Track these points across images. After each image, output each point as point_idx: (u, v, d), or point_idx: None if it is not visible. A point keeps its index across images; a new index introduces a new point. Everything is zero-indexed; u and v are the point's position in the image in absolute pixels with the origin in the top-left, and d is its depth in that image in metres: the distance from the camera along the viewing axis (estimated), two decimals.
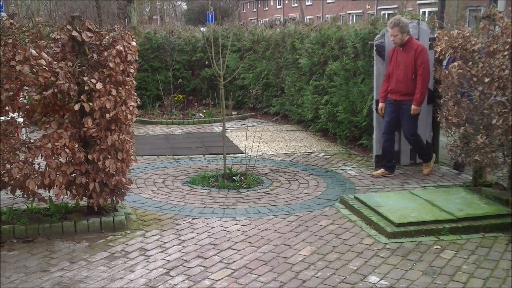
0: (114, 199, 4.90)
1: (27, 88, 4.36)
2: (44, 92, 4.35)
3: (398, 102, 6.35)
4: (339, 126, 8.29)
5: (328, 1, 44.57)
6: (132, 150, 4.95)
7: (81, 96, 4.44)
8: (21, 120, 4.67)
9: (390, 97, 6.46)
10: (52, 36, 4.64)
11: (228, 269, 3.99)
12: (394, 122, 6.47)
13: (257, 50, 11.28)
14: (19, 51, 4.07)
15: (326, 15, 39.62)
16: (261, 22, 41.13)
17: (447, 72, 5.41)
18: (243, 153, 7.54)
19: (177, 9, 56.30)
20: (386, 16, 22.22)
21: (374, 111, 6.72)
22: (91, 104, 4.46)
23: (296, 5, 43.28)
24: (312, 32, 9.57)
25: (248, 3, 61.52)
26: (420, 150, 6.63)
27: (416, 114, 6.34)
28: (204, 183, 6.22)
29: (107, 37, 4.63)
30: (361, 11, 39.65)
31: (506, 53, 4.73)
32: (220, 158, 7.17)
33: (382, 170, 6.54)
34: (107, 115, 4.53)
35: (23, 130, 5.84)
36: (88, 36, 4.47)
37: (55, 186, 4.50)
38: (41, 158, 4.45)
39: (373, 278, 3.85)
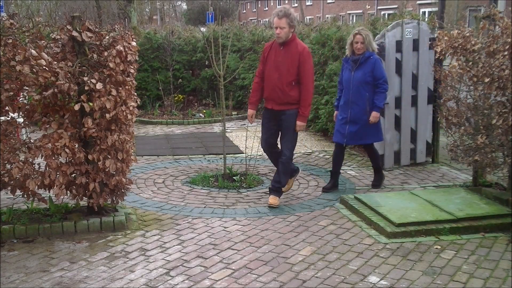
0: (114, 199, 4.89)
1: (27, 88, 4.35)
2: (44, 92, 4.35)
3: (276, 112, 5.36)
4: None
5: (328, 1, 44.57)
6: (132, 150, 4.95)
7: (81, 96, 4.43)
8: (21, 120, 4.67)
9: (266, 105, 5.50)
10: (52, 36, 4.64)
11: (228, 269, 3.99)
12: (275, 137, 5.55)
13: (257, 50, 11.28)
14: (19, 51, 4.07)
15: (326, 15, 39.62)
16: (261, 22, 41.15)
17: (447, 72, 5.41)
18: (243, 153, 7.55)
19: (177, 9, 56.31)
20: (386, 16, 22.24)
21: None
22: (91, 104, 4.46)
23: (296, 5, 43.28)
24: (312, 32, 9.58)
25: (248, 3, 61.51)
26: (283, 176, 5.48)
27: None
28: (204, 183, 6.22)
29: (107, 37, 4.63)
30: (361, 11, 39.65)
31: (506, 53, 4.73)
32: (220, 158, 7.17)
33: (273, 196, 5.44)
34: (107, 115, 4.53)
35: (23, 130, 5.84)
36: (88, 36, 4.47)
37: (55, 186, 4.50)
38: (41, 158, 4.45)
39: (373, 278, 3.85)
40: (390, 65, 6.65)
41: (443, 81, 5.51)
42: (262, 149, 5.67)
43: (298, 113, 5.29)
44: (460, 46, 5.11)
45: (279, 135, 5.51)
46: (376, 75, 5.67)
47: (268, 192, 5.59)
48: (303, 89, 5.24)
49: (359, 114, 5.72)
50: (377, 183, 6.10)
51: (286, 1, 51.87)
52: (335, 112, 6.08)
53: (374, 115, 5.70)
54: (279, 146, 5.60)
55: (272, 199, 5.41)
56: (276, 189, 5.48)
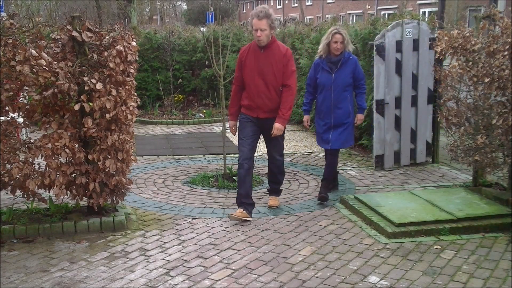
0: (114, 199, 4.89)
1: (27, 88, 4.35)
2: (44, 92, 4.35)
3: (262, 121, 5.04)
4: None
5: (328, 1, 44.56)
6: (132, 150, 4.95)
7: (81, 96, 4.43)
8: (21, 120, 4.67)
9: (248, 114, 5.08)
10: (52, 36, 4.64)
11: (228, 269, 3.99)
12: (255, 145, 5.20)
13: None
14: (19, 51, 4.07)
15: (326, 15, 39.62)
16: None
17: (447, 72, 5.41)
18: None
19: (177, 9, 56.30)
20: (386, 16, 22.24)
21: (374, 111, 6.71)
22: (91, 104, 4.46)
23: (296, 5, 43.27)
24: (312, 32, 9.57)
25: (248, 3, 61.50)
26: (281, 176, 5.43)
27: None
28: (204, 183, 6.22)
29: (107, 37, 4.63)
30: (361, 11, 39.64)
31: (506, 53, 4.73)
32: (220, 158, 7.17)
33: (241, 210, 4.98)
34: (107, 115, 4.53)
35: (23, 130, 5.83)
36: (88, 36, 4.47)
37: (55, 186, 4.50)
38: (41, 158, 4.45)
39: (373, 278, 3.85)
40: (390, 65, 6.66)
41: (443, 81, 5.50)
42: (243, 158, 5.05)
43: (277, 114, 4.96)
44: (460, 46, 5.11)
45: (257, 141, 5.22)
46: (357, 76, 5.47)
47: (268, 193, 5.56)
48: (287, 91, 4.94)
49: (343, 117, 5.47)
50: (326, 193, 5.58)
51: (286, 1, 51.90)
52: (306, 117, 5.76)
53: (361, 118, 5.64)
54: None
55: (273, 201, 5.36)
56: (275, 190, 5.45)
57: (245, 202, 5.01)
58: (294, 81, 4.97)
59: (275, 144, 5.20)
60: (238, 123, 5.24)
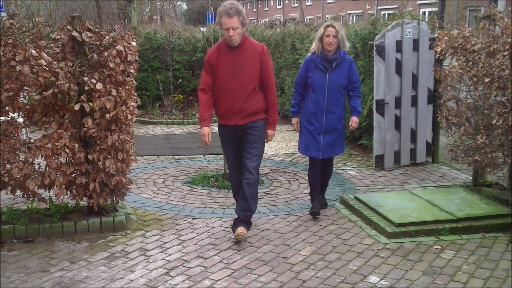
0: (114, 199, 4.89)
1: (27, 88, 4.35)
2: (44, 92, 4.35)
3: (241, 128, 4.50)
4: None
5: (328, 1, 44.57)
6: (132, 150, 4.95)
7: (81, 96, 4.43)
8: (21, 120, 4.67)
9: (224, 123, 4.57)
10: (52, 36, 4.64)
11: (228, 269, 3.99)
12: (238, 158, 4.65)
13: None
14: (19, 51, 4.07)
15: (326, 15, 39.63)
16: (261, 22, 41.15)
17: (447, 72, 5.41)
18: None
19: (177, 9, 56.29)
20: (386, 16, 22.24)
21: (374, 111, 6.72)
22: (91, 104, 4.46)
23: (296, 5, 43.28)
24: (312, 32, 9.57)
25: (248, 3, 61.50)
26: (253, 201, 4.51)
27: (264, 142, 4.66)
28: (204, 183, 6.22)
29: (107, 37, 4.63)
30: (361, 11, 39.65)
31: (506, 53, 4.73)
32: (220, 158, 7.17)
33: (242, 228, 4.46)
34: (107, 115, 4.53)
35: (23, 130, 5.84)
36: (88, 36, 4.47)
37: (55, 186, 4.50)
38: (41, 158, 4.45)
39: (373, 278, 3.85)
40: (390, 65, 6.66)
41: (443, 81, 5.51)
42: (230, 172, 4.81)
43: (267, 121, 4.58)
44: (460, 46, 5.11)
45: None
46: (353, 78, 4.99)
47: (238, 219, 4.56)
48: (269, 93, 4.52)
49: (335, 122, 5.00)
50: (324, 201, 5.38)
51: (286, 1, 51.90)
52: (295, 119, 5.22)
53: (356, 121, 5.09)
54: None
55: (242, 231, 4.41)
56: (246, 220, 4.52)
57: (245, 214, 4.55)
58: (273, 81, 4.56)
59: (254, 154, 4.51)
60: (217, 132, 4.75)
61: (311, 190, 5.25)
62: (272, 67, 4.58)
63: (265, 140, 4.66)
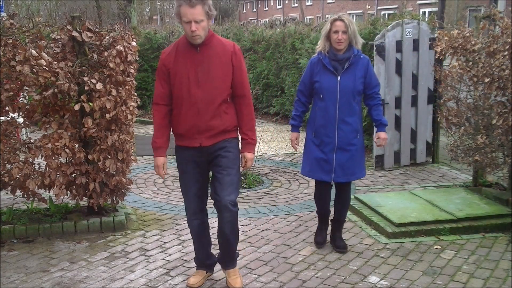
0: (114, 199, 4.89)
1: (27, 88, 4.36)
2: (44, 92, 4.35)
3: (207, 149, 3.44)
4: None
5: (328, 1, 44.57)
6: (132, 150, 4.95)
7: (81, 96, 4.43)
8: (21, 120, 4.67)
9: (185, 145, 3.46)
10: (52, 36, 4.64)
11: None
12: (206, 186, 3.61)
13: (257, 50, 11.28)
14: (19, 51, 4.07)
15: (326, 15, 39.63)
16: (261, 22, 41.15)
17: (447, 72, 5.42)
18: None
19: None
20: (386, 16, 22.25)
21: None
22: (91, 104, 4.46)
23: (296, 5, 43.27)
24: (312, 32, 9.57)
25: (248, 3, 61.51)
26: (234, 238, 3.61)
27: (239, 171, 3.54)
28: None
29: (107, 37, 4.63)
30: (361, 11, 39.66)
31: (506, 53, 4.74)
32: None
33: (201, 273, 3.79)
34: (107, 115, 4.53)
35: (23, 130, 5.84)
36: (88, 36, 4.47)
37: (55, 186, 4.50)
38: (41, 158, 4.45)
39: (373, 278, 3.85)
40: (390, 65, 6.66)
41: (443, 81, 5.51)
42: (190, 213, 3.63)
43: (243, 141, 3.53)
44: (460, 46, 5.12)
45: (208, 182, 3.67)
46: (371, 82, 4.07)
47: (222, 263, 3.77)
48: (244, 105, 3.48)
49: (351, 136, 4.03)
50: (343, 242, 4.38)
51: (286, 1, 51.91)
52: (294, 135, 4.25)
53: (383, 137, 4.13)
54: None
55: (235, 279, 3.67)
56: (229, 260, 3.72)
57: (208, 263, 3.81)
58: (249, 88, 3.53)
59: (229, 182, 3.42)
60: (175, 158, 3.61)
61: (319, 219, 4.44)
62: (247, 73, 3.54)
63: (243, 167, 3.57)
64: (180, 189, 3.74)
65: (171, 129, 3.52)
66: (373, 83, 4.09)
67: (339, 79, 3.99)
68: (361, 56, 4.06)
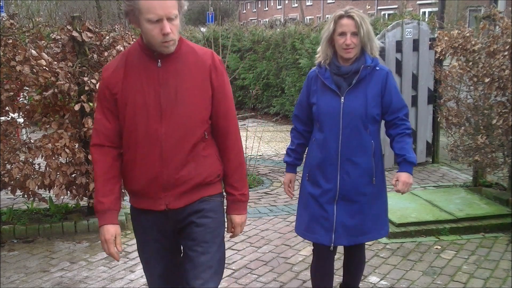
0: None
1: (27, 88, 4.36)
2: (44, 93, 4.36)
3: (175, 214, 2.29)
4: None
5: (328, 1, 44.58)
6: None
7: (81, 96, 4.44)
8: (21, 120, 4.67)
9: (143, 207, 2.31)
10: (52, 37, 4.64)
11: (228, 269, 3.99)
12: (176, 264, 2.42)
13: (257, 50, 11.29)
14: (19, 51, 4.08)
15: (326, 15, 39.64)
16: (261, 22, 41.17)
17: (447, 72, 5.42)
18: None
19: None
20: (386, 16, 22.25)
21: None
22: (91, 104, 4.46)
23: (296, 5, 43.29)
24: (312, 32, 9.58)
25: (248, 3, 61.54)
26: None
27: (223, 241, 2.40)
28: None
29: (107, 37, 4.63)
30: (361, 11, 39.65)
31: (506, 53, 4.74)
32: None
33: None
34: None
35: (23, 131, 5.84)
36: (88, 36, 4.47)
37: (55, 186, 4.50)
38: (41, 158, 4.46)
39: (373, 278, 3.85)
40: (390, 65, 6.65)
41: (443, 81, 5.51)
42: None
43: (230, 198, 2.41)
44: (460, 46, 5.11)
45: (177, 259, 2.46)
46: (392, 103, 2.88)
47: None
48: (229, 143, 2.38)
49: (360, 182, 2.88)
50: None
51: (286, 1, 51.93)
52: (289, 176, 3.21)
53: (405, 181, 2.86)
54: None
55: None
56: None
57: None
58: (235, 117, 2.41)
59: (206, 263, 2.28)
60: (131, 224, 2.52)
61: None
62: (232, 93, 2.42)
63: (231, 234, 2.49)
64: None
65: (123, 183, 2.34)
66: (395, 104, 2.88)
67: (342, 100, 2.83)
68: (377, 68, 2.86)
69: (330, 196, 2.90)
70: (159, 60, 2.20)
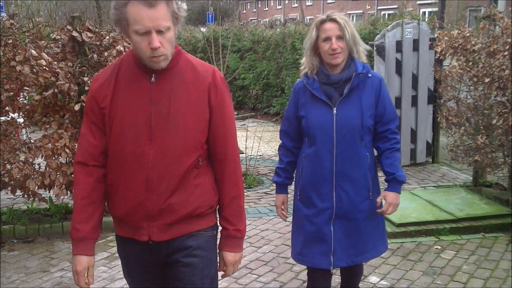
0: None
1: (27, 88, 4.36)
2: (44, 93, 4.36)
3: (160, 247, 2.04)
4: None
5: (328, 2, 44.59)
6: None
7: (81, 96, 4.43)
8: (21, 120, 4.67)
9: (127, 236, 2.07)
10: (52, 37, 4.64)
11: None
12: None
13: (257, 50, 11.29)
14: (19, 51, 4.07)
15: None
16: (261, 22, 41.18)
17: (447, 72, 5.42)
18: (243, 153, 7.53)
19: None
20: (386, 16, 22.25)
21: None
22: None
23: (296, 5, 43.29)
24: None
25: (248, 3, 61.55)
26: None
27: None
28: None
29: (107, 37, 4.63)
30: (361, 11, 39.69)
31: (506, 53, 4.74)
32: None
33: None
34: None
35: (23, 131, 5.84)
36: (88, 36, 4.47)
37: (55, 186, 4.50)
38: (41, 158, 4.46)
39: (373, 278, 3.85)
40: (390, 65, 6.66)
41: (443, 81, 5.51)
42: None
43: (224, 233, 2.18)
44: (460, 46, 5.11)
45: None
46: (384, 114, 2.72)
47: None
48: (226, 172, 2.10)
49: (358, 199, 2.71)
50: None
51: (286, 1, 51.94)
52: (280, 197, 2.99)
53: (392, 202, 2.80)
54: None
55: None
56: None
57: None
58: (235, 136, 2.12)
59: None
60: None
61: None
62: (234, 115, 2.15)
63: (223, 274, 2.24)
64: None
65: (107, 206, 2.11)
66: (388, 115, 2.72)
67: (335, 111, 2.63)
68: (369, 75, 2.68)
69: (327, 216, 2.69)
70: (153, 75, 1.97)
